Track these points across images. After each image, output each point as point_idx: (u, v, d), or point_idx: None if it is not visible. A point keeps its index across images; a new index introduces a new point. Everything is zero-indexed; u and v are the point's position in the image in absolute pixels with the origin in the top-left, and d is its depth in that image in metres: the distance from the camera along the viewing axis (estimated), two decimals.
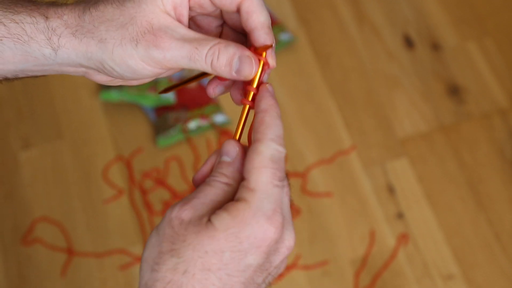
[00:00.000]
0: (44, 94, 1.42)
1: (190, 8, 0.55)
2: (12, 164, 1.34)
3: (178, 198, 1.31)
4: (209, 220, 0.49)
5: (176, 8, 0.54)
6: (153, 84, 1.38)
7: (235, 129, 0.57)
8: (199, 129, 1.36)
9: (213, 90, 0.57)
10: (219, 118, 1.37)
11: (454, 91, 1.41)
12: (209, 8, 0.56)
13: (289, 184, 0.53)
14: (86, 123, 1.39)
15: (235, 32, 0.58)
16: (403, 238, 1.27)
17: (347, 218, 1.29)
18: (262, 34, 0.54)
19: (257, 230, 0.49)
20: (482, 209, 1.29)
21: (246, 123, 0.56)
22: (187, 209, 0.50)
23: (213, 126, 1.37)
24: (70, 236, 1.27)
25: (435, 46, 1.46)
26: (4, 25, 0.54)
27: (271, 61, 0.55)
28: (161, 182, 1.32)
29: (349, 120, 1.38)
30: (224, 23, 0.58)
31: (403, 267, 1.24)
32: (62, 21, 0.54)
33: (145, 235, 1.27)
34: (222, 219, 0.49)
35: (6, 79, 0.58)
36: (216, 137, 1.37)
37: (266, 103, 0.54)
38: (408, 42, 1.47)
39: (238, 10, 0.55)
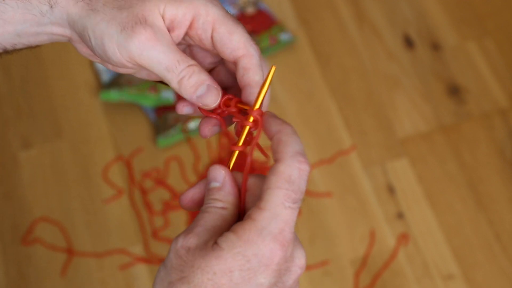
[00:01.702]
0: (43, 94, 1.41)
1: (188, 35, 0.56)
2: (11, 164, 1.34)
3: (178, 198, 1.31)
4: (215, 242, 0.49)
5: (173, 22, 0.54)
6: (153, 84, 1.38)
7: (234, 132, 0.57)
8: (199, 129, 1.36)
9: (182, 108, 0.58)
10: None
11: (454, 91, 1.41)
12: (208, 46, 0.56)
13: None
14: (86, 122, 1.39)
15: (228, 75, 0.59)
16: (403, 238, 1.27)
17: (347, 218, 1.29)
18: (254, 92, 0.55)
19: (263, 248, 0.48)
20: (482, 209, 1.29)
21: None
22: (191, 237, 0.49)
23: None
24: (70, 236, 1.27)
25: (435, 46, 1.46)
26: None
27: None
28: (161, 182, 1.32)
29: (349, 120, 1.38)
30: (221, 64, 0.59)
31: (403, 267, 1.24)
32: None
33: (145, 235, 1.27)
34: (228, 239, 0.48)
35: (5, 51, 0.58)
36: (216, 137, 1.37)
37: (276, 125, 0.52)
38: (408, 42, 1.47)
39: (235, 63, 0.55)
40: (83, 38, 0.55)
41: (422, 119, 1.38)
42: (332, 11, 1.51)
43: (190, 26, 0.55)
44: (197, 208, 0.56)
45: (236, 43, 0.54)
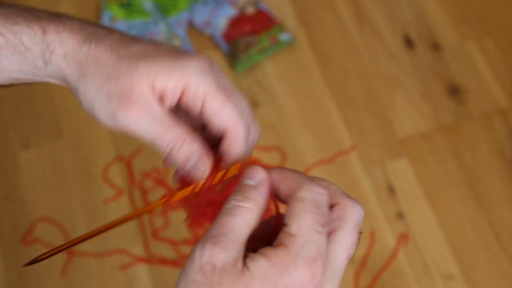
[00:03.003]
0: (44, 94, 1.42)
1: (178, 104, 0.54)
2: (12, 164, 1.34)
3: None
4: (244, 264, 0.47)
5: (163, 93, 0.53)
6: None
7: None
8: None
9: (175, 179, 0.58)
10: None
11: (454, 91, 1.41)
12: (197, 116, 0.55)
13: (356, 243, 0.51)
14: (86, 123, 1.39)
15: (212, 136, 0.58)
16: (403, 238, 1.27)
17: None
18: (230, 159, 0.54)
19: (295, 277, 0.47)
20: (482, 209, 1.29)
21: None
22: (219, 252, 0.47)
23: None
24: (70, 236, 1.27)
25: (435, 46, 1.46)
26: (3, 35, 0.55)
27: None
28: (161, 182, 1.32)
29: (349, 120, 1.38)
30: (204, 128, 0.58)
31: (403, 267, 1.24)
32: (58, 38, 0.55)
33: (145, 235, 1.27)
34: (260, 266, 0.47)
35: (1, 86, 0.59)
36: None
37: (277, 172, 0.52)
38: (408, 42, 1.47)
39: (222, 135, 0.55)
40: (77, 96, 0.56)
41: (422, 119, 1.38)
42: (332, 11, 1.51)
43: (180, 97, 0.54)
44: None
45: (224, 121, 0.53)
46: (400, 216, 1.29)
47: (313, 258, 0.47)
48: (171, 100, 0.54)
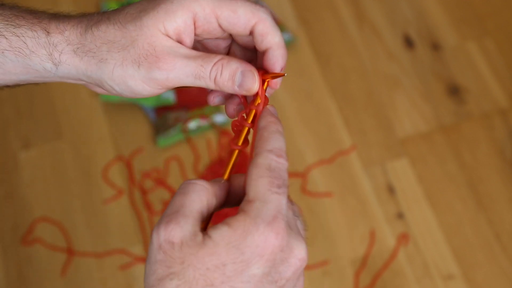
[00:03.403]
0: (44, 94, 1.42)
1: (196, 35, 0.56)
2: (12, 164, 1.34)
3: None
4: (206, 234, 0.48)
5: (179, 34, 0.54)
6: None
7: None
8: (199, 129, 1.36)
9: (213, 100, 0.58)
10: (219, 118, 1.37)
11: (454, 91, 1.41)
12: (218, 34, 0.56)
13: (292, 201, 0.52)
14: (86, 123, 1.39)
15: (243, 49, 0.59)
16: (403, 238, 1.27)
17: (347, 218, 1.29)
18: (276, 54, 0.55)
19: (257, 237, 0.48)
20: (482, 209, 1.29)
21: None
22: (173, 228, 0.48)
23: (213, 126, 1.37)
24: (70, 236, 1.27)
25: (435, 46, 1.46)
26: (6, 38, 0.55)
27: (276, 85, 0.56)
28: (161, 182, 1.32)
29: (349, 120, 1.38)
30: (232, 42, 0.59)
31: (403, 267, 1.24)
32: (63, 37, 0.55)
33: (145, 235, 1.27)
34: (222, 233, 0.48)
35: (7, 86, 0.59)
36: (216, 137, 1.37)
37: (266, 120, 0.54)
38: (408, 42, 1.47)
39: (251, 33, 0.55)
40: (103, 87, 0.56)
41: (422, 119, 1.38)
42: (332, 11, 1.51)
43: (195, 27, 0.55)
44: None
45: (244, 17, 0.54)
46: (400, 216, 1.29)
47: (273, 216, 0.48)
48: (189, 36, 0.55)
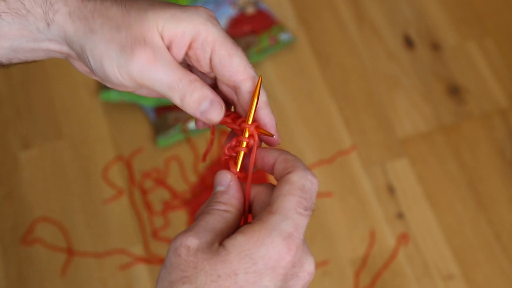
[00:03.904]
0: (43, 94, 1.42)
1: (187, 55, 0.55)
2: (11, 164, 1.34)
3: (178, 198, 1.31)
4: (221, 245, 0.48)
5: (171, 42, 0.53)
6: None
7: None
8: (199, 129, 1.36)
9: (202, 125, 0.58)
10: None
11: (454, 91, 1.41)
12: (204, 67, 0.55)
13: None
14: (86, 123, 1.39)
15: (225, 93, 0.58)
16: (403, 238, 1.27)
17: (347, 218, 1.29)
18: (268, 112, 0.55)
19: (271, 250, 0.48)
20: (482, 209, 1.29)
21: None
22: (191, 235, 0.49)
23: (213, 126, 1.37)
24: (70, 236, 1.27)
25: (435, 46, 1.46)
26: (4, 1, 0.54)
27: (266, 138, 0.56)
28: (161, 182, 1.32)
29: (349, 120, 1.38)
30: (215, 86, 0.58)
31: (403, 267, 1.24)
32: None
33: (145, 235, 1.27)
34: (236, 241, 0.48)
35: (1, 65, 0.58)
36: (216, 137, 1.37)
37: (275, 151, 0.54)
38: (408, 42, 1.47)
39: (234, 87, 0.55)
40: (81, 58, 0.55)
41: (422, 119, 1.38)
42: (332, 11, 1.51)
43: (189, 46, 0.54)
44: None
45: (236, 67, 0.54)
46: (400, 216, 1.29)
47: (289, 233, 0.48)
48: (179, 49, 0.54)
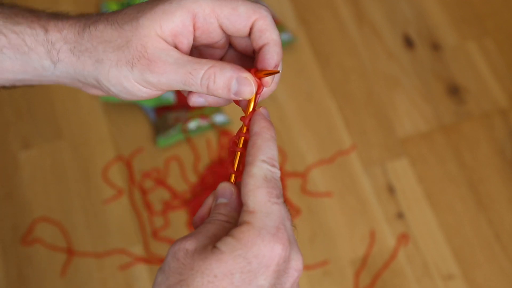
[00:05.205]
0: (43, 94, 1.42)
1: (195, 38, 0.55)
2: (11, 164, 1.34)
3: (178, 198, 1.31)
4: (214, 246, 0.49)
5: (176, 35, 0.54)
6: None
7: (235, 131, 0.57)
8: (199, 129, 1.36)
9: (194, 100, 0.57)
10: (219, 118, 1.37)
11: (454, 91, 1.41)
12: (217, 36, 0.55)
13: (288, 209, 0.53)
14: (86, 123, 1.39)
15: (239, 57, 0.58)
16: (403, 238, 1.27)
17: (347, 218, 1.29)
18: (272, 50, 0.55)
19: (263, 248, 0.48)
20: (482, 209, 1.29)
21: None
22: (190, 239, 0.50)
23: (213, 126, 1.37)
24: (70, 236, 1.27)
25: (435, 46, 1.46)
26: (5, 36, 0.55)
27: (273, 85, 0.55)
28: (161, 182, 1.32)
29: (349, 120, 1.38)
30: (228, 50, 0.58)
31: (403, 267, 1.24)
32: (61, 36, 0.55)
33: (145, 235, 1.27)
34: (228, 243, 0.49)
35: (4, 87, 0.58)
36: (216, 137, 1.37)
37: (259, 125, 0.53)
38: (408, 42, 1.47)
39: (250, 32, 0.55)
40: (101, 89, 0.55)
41: (422, 119, 1.38)
42: (332, 11, 1.51)
43: (195, 28, 0.54)
44: None
45: (245, 14, 0.54)
46: (400, 216, 1.29)
47: (277, 228, 0.49)
48: (187, 38, 0.54)
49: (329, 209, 1.29)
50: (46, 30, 0.55)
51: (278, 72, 0.54)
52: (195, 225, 0.56)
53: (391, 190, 1.31)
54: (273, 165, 0.51)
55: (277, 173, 0.51)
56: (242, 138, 0.55)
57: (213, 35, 0.55)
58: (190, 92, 0.57)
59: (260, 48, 0.55)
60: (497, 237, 1.27)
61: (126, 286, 1.23)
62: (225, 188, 0.54)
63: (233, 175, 0.56)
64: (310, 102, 1.40)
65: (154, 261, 1.25)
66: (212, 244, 0.49)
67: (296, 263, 0.50)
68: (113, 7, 1.47)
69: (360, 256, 1.25)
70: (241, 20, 0.54)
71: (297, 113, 1.39)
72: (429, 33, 1.48)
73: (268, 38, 0.55)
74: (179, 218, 1.29)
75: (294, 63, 1.44)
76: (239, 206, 0.53)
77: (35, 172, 1.34)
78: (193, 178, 1.33)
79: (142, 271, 1.25)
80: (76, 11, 0.59)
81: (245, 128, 0.55)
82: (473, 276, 1.24)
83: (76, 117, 1.39)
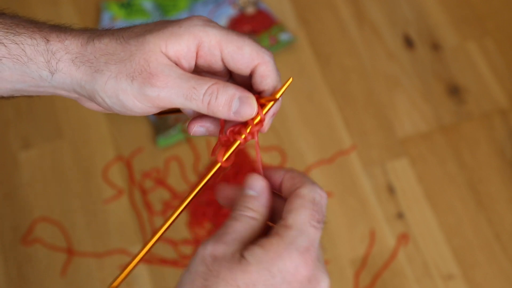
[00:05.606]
0: None
1: (196, 65, 0.55)
2: (11, 164, 1.34)
3: (178, 198, 1.31)
4: (241, 255, 0.49)
5: (179, 58, 0.54)
6: None
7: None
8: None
9: (194, 130, 0.57)
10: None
11: (454, 91, 1.41)
12: (218, 68, 0.56)
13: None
14: (86, 123, 1.39)
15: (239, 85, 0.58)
16: (403, 238, 1.27)
17: (347, 218, 1.29)
18: (270, 82, 0.56)
19: (289, 264, 0.49)
20: (482, 209, 1.29)
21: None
22: (219, 244, 0.50)
23: None
24: (70, 236, 1.27)
25: (435, 46, 1.46)
26: (5, 46, 0.55)
27: (266, 123, 0.57)
28: (161, 182, 1.32)
29: (349, 120, 1.38)
30: (229, 80, 0.59)
31: (403, 267, 1.24)
32: (63, 46, 0.55)
33: (145, 235, 1.27)
34: (255, 254, 0.49)
35: (2, 97, 0.58)
36: (216, 137, 1.37)
37: (280, 170, 0.54)
38: (408, 42, 1.47)
39: (251, 74, 0.55)
40: (95, 100, 0.56)
41: (422, 119, 1.38)
42: (332, 11, 1.51)
43: (197, 56, 0.54)
44: (229, 206, 0.56)
45: (248, 56, 0.54)
46: (400, 216, 1.29)
47: (306, 248, 0.50)
48: (189, 63, 0.54)
49: (329, 209, 1.29)
50: (48, 40, 0.55)
51: (277, 99, 0.57)
52: (220, 200, 0.56)
53: (391, 190, 1.31)
54: (321, 189, 0.52)
55: (326, 197, 0.52)
56: (249, 127, 0.55)
57: (215, 66, 0.55)
58: (190, 121, 0.57)
59: (260, 93, 0.56)
60: (497, 237, 1.27)
61: (126, 286, 1.23)
62: (257, 180, 0.53)
63: (218, 165, 0.55)
64: (310, 102, 1.41)
65: (154, 261, 1.25)
66: (240, 252, 0.49)
67: (324, 285, 0.52)
68: (113, 7, 1.47)
69: (360, 256, 1.25)
70: (244, 61, 0.54)
71: (297, 113, 1.39)
72: (429, 33, 1.48)
73: (269, 84, 0.56)
74: (179, 218, 1.29)
75: (294, 63, 1.44)
76: (269, 202, 0.53)
77: (35, 172, 1.34)
78: (193, 178, 1.33)
79: (142, 271, 1.25)
80: (76, 11, 0.59)
81: (248, 128, 0.55)
82: (473, 276, 1.24)
83: (76, 117, 1.39)
